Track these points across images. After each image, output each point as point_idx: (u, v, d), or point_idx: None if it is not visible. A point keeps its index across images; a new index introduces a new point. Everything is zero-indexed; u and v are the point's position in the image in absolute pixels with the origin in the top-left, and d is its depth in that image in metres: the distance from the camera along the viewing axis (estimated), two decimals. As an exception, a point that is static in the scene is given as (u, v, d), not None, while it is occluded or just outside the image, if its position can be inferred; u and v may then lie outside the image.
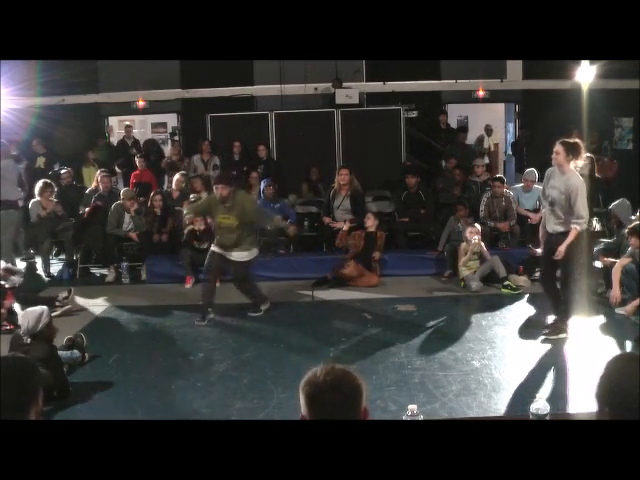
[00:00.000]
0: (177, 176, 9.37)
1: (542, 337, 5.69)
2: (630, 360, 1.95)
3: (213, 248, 6.53)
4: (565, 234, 5.50)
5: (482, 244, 7.53)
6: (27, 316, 4.81)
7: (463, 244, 7.59)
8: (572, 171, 5.44)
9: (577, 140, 5.55)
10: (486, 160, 12.43)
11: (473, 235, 7.50)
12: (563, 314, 5.73)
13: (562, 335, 5.66)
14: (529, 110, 12.37)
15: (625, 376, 1.83)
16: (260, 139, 10.24)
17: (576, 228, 5.42)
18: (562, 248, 5.45)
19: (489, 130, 12.98)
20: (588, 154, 8.81)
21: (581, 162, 5.53)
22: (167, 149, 12.00)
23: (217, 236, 6.58)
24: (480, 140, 12.92)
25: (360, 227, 8.09)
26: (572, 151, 5.40)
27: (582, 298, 5.90)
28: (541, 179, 8.84)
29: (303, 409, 1.82)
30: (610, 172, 9.92)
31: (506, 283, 7.26)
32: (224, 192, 6.30)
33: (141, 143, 11.95)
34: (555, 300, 5.82)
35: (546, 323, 5.93)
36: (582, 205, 5.39)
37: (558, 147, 5.44)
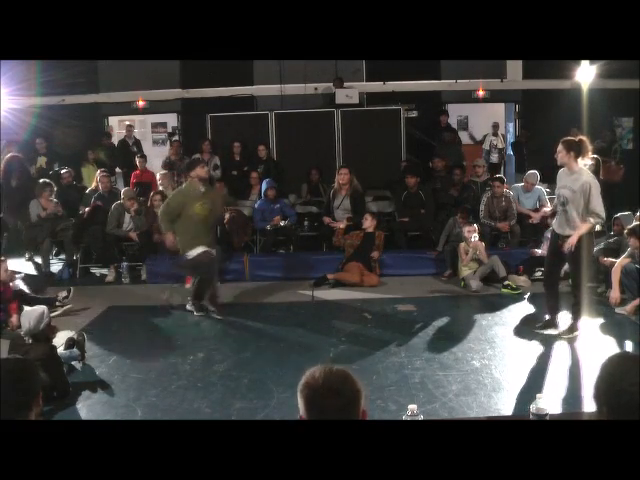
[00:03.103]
0: (159, 175, 9.49)
1: (556, 336, 5.68)
2: (625, 359, 1.96)
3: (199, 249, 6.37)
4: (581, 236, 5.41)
5: (482, 245, 7.54)
6: (28, 316, 4.80)
7: (463, 244, 7.60)
8: (582, 169, 5.41)
9: (582, 137, 5.51)
10: (494, 159, 12.46)
11: (471, 233, 7.51)
12: (575, 314, 5.69)
13: (575, 333, 5.64)
14: (529, 110, 12.37)
15: (621, 375, 1.84)
16: (260, 139, 10.25)
17: (590, 221, 5.36)
18: (573, 239, 5.35)
19: (496, 128, 12.93)
20: (594, 155, 8.84)
21: (588, 160, 5.50)
22: (167, 149, 12.02)
23: (194, 232, 6.34)
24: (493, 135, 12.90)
25: (359, 227, 8.10)
26: (574, 149, 5.37)
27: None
28: (542, 180, 8.90)
29: (302, 411, 1.82)
30: (616, 177, 9.91)
31: (506, 283, 7.27)
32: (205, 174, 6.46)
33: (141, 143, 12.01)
34: (555, 301, 5.82)
35: (543, 321, 5.95)
36: (598, 202, 5.33)
37: (559, 146, 5.45)
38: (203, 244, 6.36)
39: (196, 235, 6.33)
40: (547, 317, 5.93)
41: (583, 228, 5.38)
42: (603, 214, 5.41)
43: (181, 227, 6.35)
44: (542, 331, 5.77)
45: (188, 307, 6.73)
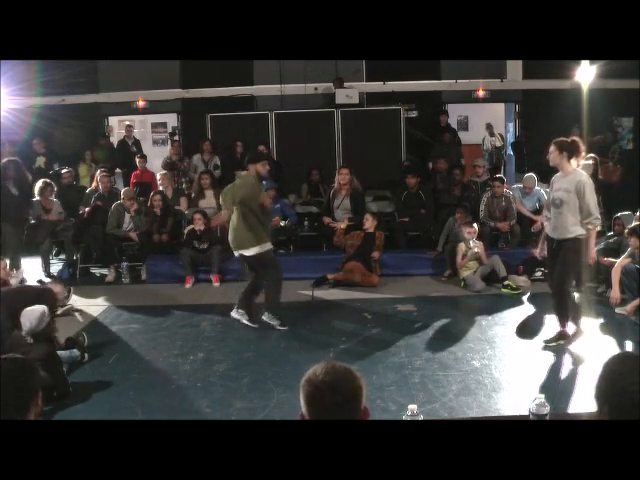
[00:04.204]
0: (159, 175, 9.51)
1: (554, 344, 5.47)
2: (627, 358, 1.96)
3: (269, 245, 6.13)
4: (576, 240, 5.24)
5: (481, 245, 7.53)
6: (28, 316, 4.80)
7: (461, 243, 7.60)
8: (577, 170, 5.27)
9: (574, 138, 5.39)
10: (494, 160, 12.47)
11: (471, 235, 7.51)
12: (576, 319, 5.52)
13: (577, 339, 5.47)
14: (529, 110, 12.37)
15: (622, 374, 1.84)
16: (260, 139, 10.24)
17: (589, 228, 5.20)
18: (592, 253, 5.21)
19: (490, 129, 12.95)
20: (592, 155, 8.81)
21: (582, 161, 5.40)
22: (167, 149, 12.02)
23: (261, 225, 5.99)
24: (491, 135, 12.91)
25: (359, 227, 8.10)
26: (567, 149, 5.23)
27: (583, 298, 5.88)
28: (542, 181, 8.90)
29: (303, 407, 1.81)
30: (614, 177, 9.91)
31: (506, 283, 7.26)
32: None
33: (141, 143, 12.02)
34: (563, 310, 5.53)
35: (553, 335, 5.60)
36: (593, 202, 5.20)
37: (551, 147, 5.31)
38: (268, 240, 6.13)
39: (263, 228, 6.02)
40: (558, 329, 5.56)
41: (592, 237, 5.24)
42: (597, 214, 5.26)
43: (249, 219, 5.91)
44: (553, 344, 5.46)
45: (267, 319, 6.23)
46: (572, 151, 5.25)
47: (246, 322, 6.29)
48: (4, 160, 8.21)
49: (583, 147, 5.34)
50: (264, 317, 6.26)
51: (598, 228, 5.50)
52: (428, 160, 10.79)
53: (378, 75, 12.10)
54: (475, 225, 7.72)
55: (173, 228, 8.67)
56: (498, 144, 12.81)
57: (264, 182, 8.87)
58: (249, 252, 6.04)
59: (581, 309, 5.61)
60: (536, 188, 8.64)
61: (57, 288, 5.32)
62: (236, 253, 6.19)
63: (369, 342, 5.81)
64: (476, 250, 7.47)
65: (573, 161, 5.28)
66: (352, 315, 6.71)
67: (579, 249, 5.29)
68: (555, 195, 5.38)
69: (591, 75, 10.26)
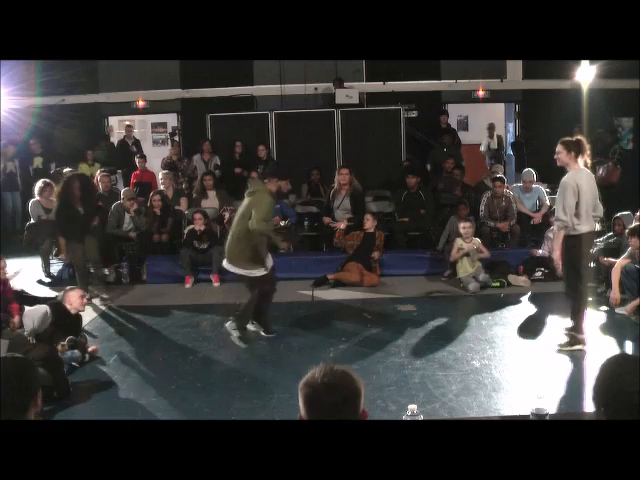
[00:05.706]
0: (161, 175, 9.52)
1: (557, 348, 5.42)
2: (624, 360, 1.96)
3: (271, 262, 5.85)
4: (568, 237, 5.30)
5: (478, 240, 7.52)
6: (31, 316, 4.79)
7: (458, 239, 7.59)
8: (575, 169, 5.30)
9: (579, 137, 5.45)
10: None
11: (467, 230, 7.48)
12: (577, 323, 5.44)
13: (578, 347, 5.37)
14: (529, 110, 12.37)
15: (620, 375, 1.84)
16: (260, 139, 10.25)
17: (554, 229, 5.23)
18: (556, 254, 5.34)
19: (492, 129, 12.91)
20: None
21: (588, 160, 5.44)
22: (167, 149, 12.02)
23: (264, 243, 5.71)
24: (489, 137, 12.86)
25: (359, 227, 8.10)
26: (574, 149, 5.29)
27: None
28: (541, 179, 8.90)
29: (301, 410, 1.81)
30: (613, 177, 9.92)
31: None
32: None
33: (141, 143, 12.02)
34: (580, 313, 5.48)
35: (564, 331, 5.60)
36: (561, 204, 5.22)
37: (558, 147, 5.36)
38: (269, 257, 5.91)
39: (267, 245, 5.83)
40: (572, 333, 5.47)
41: (557, 238, 5.32)
42: (560, 215, 5.23)
43: (258, 237, 5.70)
44: (568, 348, 5.37)
45: (231, 329, 5.85)
46: (578, 150, 5.32)
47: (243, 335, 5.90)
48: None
49: (587, 146, 5.40)
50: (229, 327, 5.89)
51: (598, 227, 5.51)
52: (428, 160, 10.79)
53: (378, 75, 12.10)
54: (470, 221, 7.70)
55: (173, 228, 8.67)
56: (493, 146, 12.76)
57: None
58: (227, 266, 5.91)
59: (583, 312, 5.47)
60: (536, 185, 8.63)
61: (76, 294, 5.33)
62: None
63: (369, 342, 5.82)
64: (467, 246, 7.44)
65: (580, 160, 5.33)
66: (352, 315, 6.72)
67: (573, 247, 5.32)
68: None
69: (591, 75, 10.27)
